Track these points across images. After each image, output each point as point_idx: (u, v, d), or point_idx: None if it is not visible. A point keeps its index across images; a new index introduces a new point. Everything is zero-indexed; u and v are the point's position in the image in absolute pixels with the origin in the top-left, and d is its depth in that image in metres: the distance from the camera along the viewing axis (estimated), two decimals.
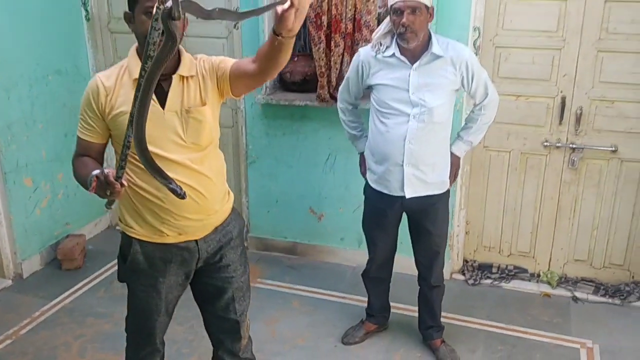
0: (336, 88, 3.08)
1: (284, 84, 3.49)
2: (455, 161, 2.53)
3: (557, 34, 2.93)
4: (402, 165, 2.37)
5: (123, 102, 1.67)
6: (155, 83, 1.25)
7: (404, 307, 3.05)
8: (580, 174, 3.11)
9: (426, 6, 2.21)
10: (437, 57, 2.29)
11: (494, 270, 3.37)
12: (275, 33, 1.45)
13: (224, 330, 2.00)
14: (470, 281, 3.34)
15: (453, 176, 2.55)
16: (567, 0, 2.88)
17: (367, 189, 2.57)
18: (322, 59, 3.18)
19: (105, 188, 1.52)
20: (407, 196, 2.41)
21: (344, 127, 2.65)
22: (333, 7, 3.12)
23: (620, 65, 2.89)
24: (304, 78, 3.40)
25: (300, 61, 3.39)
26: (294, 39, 1.49)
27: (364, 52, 2.41)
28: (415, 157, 2.35)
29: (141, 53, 1.66)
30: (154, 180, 1.53)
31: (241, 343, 2.03)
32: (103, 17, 3.74)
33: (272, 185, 3.62)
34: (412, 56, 2.30)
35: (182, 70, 1.70)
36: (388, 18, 2.29)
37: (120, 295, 3.17)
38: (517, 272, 3.36)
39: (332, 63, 3.20)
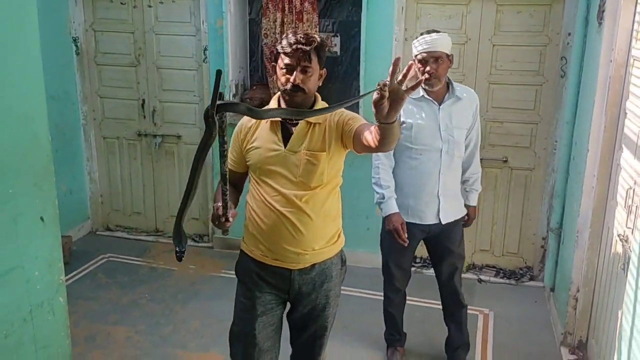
0: None
1: None
2: (472, 211, 2.82)
3: (459, 70, 3.77)
4: (438, 196, 2.61)
5: (256, 138, 1.93)
6: (201, 164, 1.54)
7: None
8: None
9: (447, 54, 2.48)
10: (459, 99, 2.58)
11: (417, 260, 4.11)
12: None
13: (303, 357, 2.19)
14: None
15: (470, 223, 2.84)
16: (465, 44, 3.73)
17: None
18: (276, 88, 3.93)
19: (215, 219, 1.76)
20: (443, 222, 2.64)
21: (376, 190, 2.66)
22: None
23: (507, 94, 3.74)
24: (261, 103, 4.13)
25: (258, 89, 4.13)
26: (396, 124, 1.55)
27: None
28: (447, 187, 2.62)
29: (279, 103, 1.95)
30: (264, 206, 1.92)
31: None
32: (90, 52, 4.40)
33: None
34: (436, 98, 2.56)
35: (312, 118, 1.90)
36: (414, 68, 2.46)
37: (105, 283, 3.81)
38: None
39: None
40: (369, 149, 1.75)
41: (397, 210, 2.60)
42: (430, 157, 2.56)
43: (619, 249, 2.48)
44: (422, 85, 2.48)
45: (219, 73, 1.36)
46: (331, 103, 1.74)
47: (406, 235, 2.59)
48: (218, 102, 1.36)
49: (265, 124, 1.93)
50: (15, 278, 1.71)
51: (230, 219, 1.72)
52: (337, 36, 4.00)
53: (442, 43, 2.45)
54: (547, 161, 3.74)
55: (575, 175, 3.27)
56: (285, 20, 3.85)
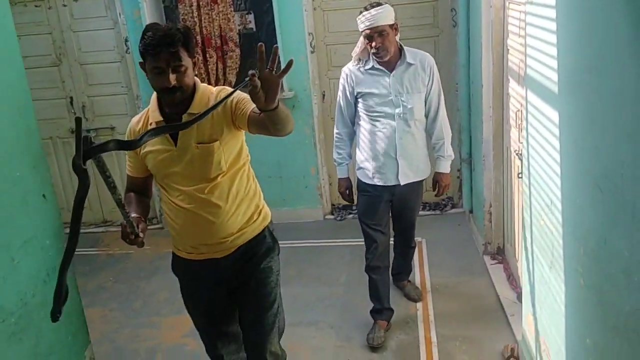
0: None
1: None
2: (441, 178, 2.90)
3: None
4: (396, 158, 2.73)
5: (147, 143, 1.68)
6: (80, 216, 1.22)
7: None
8: None
9: (390, 25, 2.57)
10: (410, 65, 2.67)
11: (354, 207, 4.56)
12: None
13: (250, 341, 2.12)
14: (338, 218, 4.51)
15: (442, 191, 2.94)
16: None
17: (361, 184, 2.85)
18: (202, 68, 4.19)
19: (125, 238, 1.66)
20: (402, 183, 2.77)
21: (335, 156, 2.91)
22: (204, 28, 4.14)
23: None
24: None
25: None
26: (280, 108, 1.55)
27: (348, 68, 2.76)
28: (405, 150, 2.72)
29: (159, 100, 1.85)
30: (174, 207, 1.89)
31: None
32: None
33: None
34: (389, 66, 2.66)
35: (193, 108, 1.78)
36: (362, 37, 2.63)
37: (82, 272, 3.99)
38: None
39: (209, 70, 4.22)
40: (265, 133, 1.71)
41: (345, 175, 2.90)
42: (386, 123, 2.69)
43: (517, 162, 3.01)
44: (373, 57, 2.62)
45: (78, 121, 1.22)
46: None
47: (354, 197, 2.92)
48: (84, 149, 1.19)
49: (151, 126, 1.83)
50: (33, 247, 2.01)
51: (140, 235, 1.65)
52: (251, 13, 4.29)
53: (384, 16, 2.55)
54: (451, 102, 4.23)
55: (475, 109, 3.79)
56: (200, 3, 4.10)
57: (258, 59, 1.44)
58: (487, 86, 3.37)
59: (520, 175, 2.88)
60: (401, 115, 2.68)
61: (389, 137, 2.71)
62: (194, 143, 1.80)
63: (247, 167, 1.98)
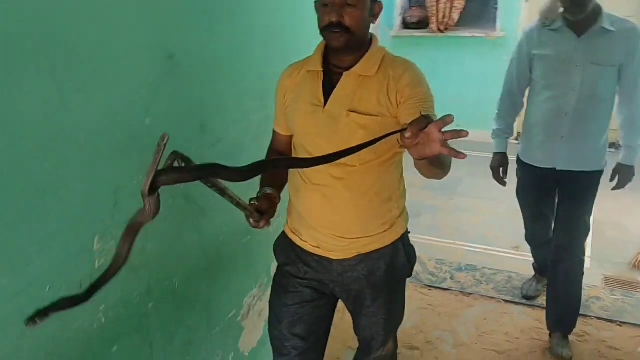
0: (440, 24, 5.12)
1: (406, 24, 5.52)
2: (621, 170, 2.31)
3: None
4: (562, 139, 2.24)
5: (295, 97, 1.48)
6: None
7: None
8: None
9: None
10: (607, 31, 2.12)
11: None
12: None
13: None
14: None
15: (619, 185, 2.34)
16: None
17: (521, 164, 2.44)
18: (433, 6, 5.17)
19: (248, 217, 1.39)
20: (562, 168, 2.28)
21: (495, 125, 2.45)
22: None
23: None
24: (419, 20, 5.42)
25: (417, 9, 5.40)
26: (436, 162, 1.16)
27: (529, 26, 2.31)
28: (576, 131, 2.22)
29: (326, 48, 1.47)
30: (296, 181, 1.49)
31: None
32: None
33: None
34: (579, 29, 2.15)
35: (358, 67, 1.41)
36: None
37: None
38: None
39: (438, 9, 5.19)
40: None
41: (504, 150, 2.44)
42: (560, 94, 2.21)
43: None
44: (564, 14, 2.14)
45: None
46: None
47: (505, 178, 2.45)
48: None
49: (304, 75, 1.49)
50: None
51: (262, 224, 1.41)
52: None
53: None
54: None
55: None
56: None
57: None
58: None
59: None
60: (581, 89, 2.18)
61: (560, 112, 2.25)
62: (346, 108, 1.40)
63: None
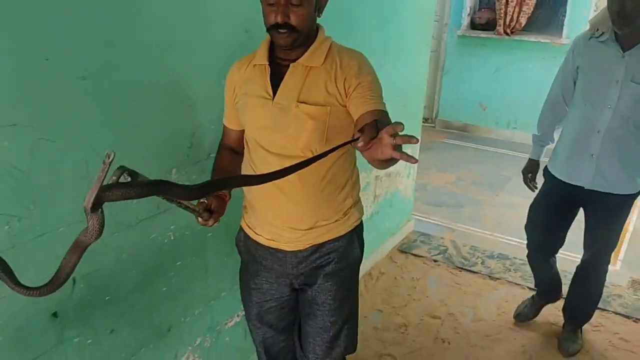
0: (507, 27, 5.23)
1: (474, 25, 5.66)
2: None
3: None
4: (592, 157, 2.13)
5: (244, 91, 1.46)
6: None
7: None
8: None
9: None
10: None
11: None
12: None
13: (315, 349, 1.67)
14: None
15: None
16: None
17: (547, 173, 2.34)
18: (502, 9, 5.29)
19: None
20: (587, 187, 2.17)
21: (536, 132, 2.42)
22: None
23: None
24: (487, 22, 5.55)
25: (486, 11, 5.53)
26: (388, 161, 1.05)
27: (578, 35, 2.20)
28: (608, 151, 2.11)
29: (271, 43, 1.44)
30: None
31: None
32: None
33: (458, 88, 5.87)
34: (626, 44, 2.02)
35: (304, 58, 1.39)
36: (607, 4, 1.99)
37: None
38: None
39: (506, 12, 5.30)
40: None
41: (536, 158, 2.43)
42: (595, 110, 2.10)
43: None
44: (613, 26, 1.98)
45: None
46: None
47: (535, 184, 2.44)
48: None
49: (254, 68, 1.47)
50: None
51: (210, 223, 1.43)
52: None
53: None
54: None
55: None
56: None
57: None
58: None
59: None
60: (617, 108, 2.06)
61: (592, 129, 2.14)
62: (295, 99, 1.39)
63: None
